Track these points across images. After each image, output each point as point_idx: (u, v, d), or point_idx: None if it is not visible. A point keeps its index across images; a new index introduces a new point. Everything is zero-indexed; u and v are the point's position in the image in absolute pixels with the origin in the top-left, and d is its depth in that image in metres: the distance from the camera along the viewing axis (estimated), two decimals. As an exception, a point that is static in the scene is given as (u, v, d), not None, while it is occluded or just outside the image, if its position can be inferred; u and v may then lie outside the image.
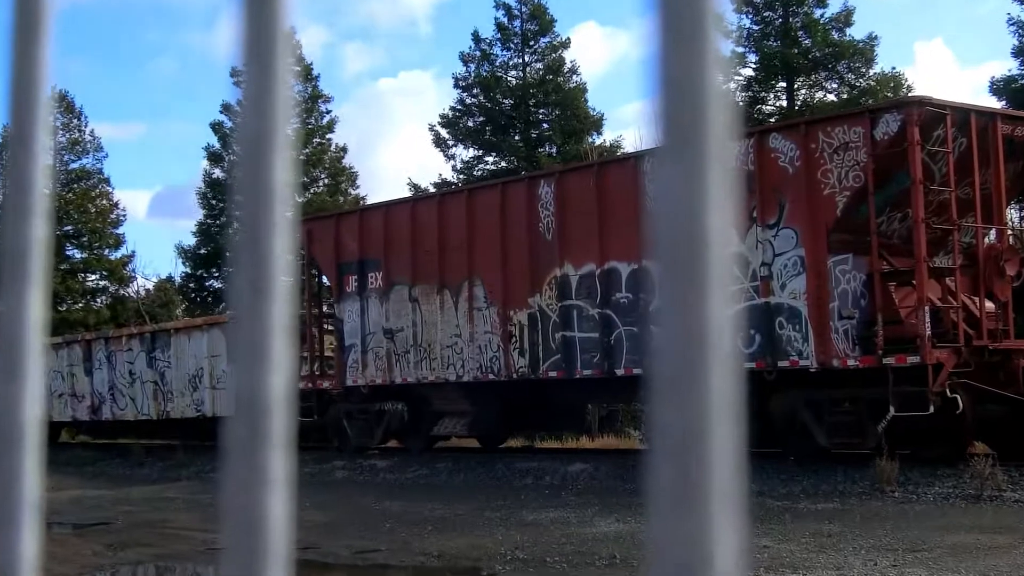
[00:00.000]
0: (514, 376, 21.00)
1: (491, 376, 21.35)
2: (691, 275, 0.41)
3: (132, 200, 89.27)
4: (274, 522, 0.53)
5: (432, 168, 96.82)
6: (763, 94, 38.75)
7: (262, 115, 0.52)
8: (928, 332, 15.84)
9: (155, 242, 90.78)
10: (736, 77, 38.90)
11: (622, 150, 39.18)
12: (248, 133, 0.52)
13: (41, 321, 0.67)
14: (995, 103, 28.50)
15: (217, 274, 47.05)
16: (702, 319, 0.41)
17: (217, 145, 46.68)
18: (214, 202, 46.67)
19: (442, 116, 43.20)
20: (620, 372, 19.32)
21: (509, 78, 42.69)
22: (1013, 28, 31.83)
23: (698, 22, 0.43)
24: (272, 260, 0.52)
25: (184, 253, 46.95)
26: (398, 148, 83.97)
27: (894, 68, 38.26)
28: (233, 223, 0.54)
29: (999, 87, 31.32)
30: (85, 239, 49.31)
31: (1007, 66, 37.17)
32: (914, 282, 16.32)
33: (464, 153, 43.61)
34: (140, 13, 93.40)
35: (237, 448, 0.52)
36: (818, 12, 36.74)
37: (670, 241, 0.41)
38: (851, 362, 16.58)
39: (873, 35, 36.66)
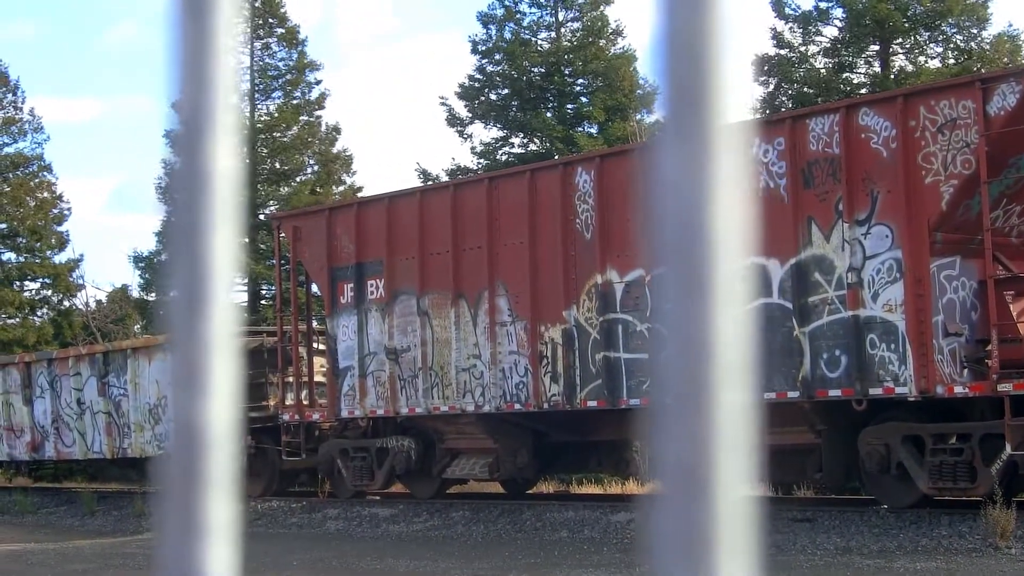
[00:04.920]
0: (545, 406, 20.98)
1: (517, 406, 21.33)
2: (694, 279, 0.42)
3: (84, 193, 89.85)
4: (215, 580, 0.54)
5: (446, 151, 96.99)
6: (851, 60, 38.63)
7: (198, 84, 0.54)
8: (1054, 352, 15.77)
9: (111, 243, 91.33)
10: (817, 39, 38.82)
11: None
12: (184, 108, 0.53)
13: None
14: None
15: (184, 283, 47.05)
16: (707, 332, 0.42)
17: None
18: (175, 195, 46.73)
19: (460, 86, 43.16)
20: (675, 401, 19.28)
21: (539, 41, 42.71)
22: None
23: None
24: (211, 265, 0.54)
25: (140, 262, 46.98)
26: (405, 127, 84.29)
27: (1011, 27, 37.98)
28: (168, 223, 0.56)
29: None
30: (22, 239, 49.50)
31: None
32: (1037, 291, 16.25)
33: (485, 133, 43.69)
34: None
35: (170, 489, 0.54)
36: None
37: (671, 238, 0.42)
38: (959, 389, 16.49)
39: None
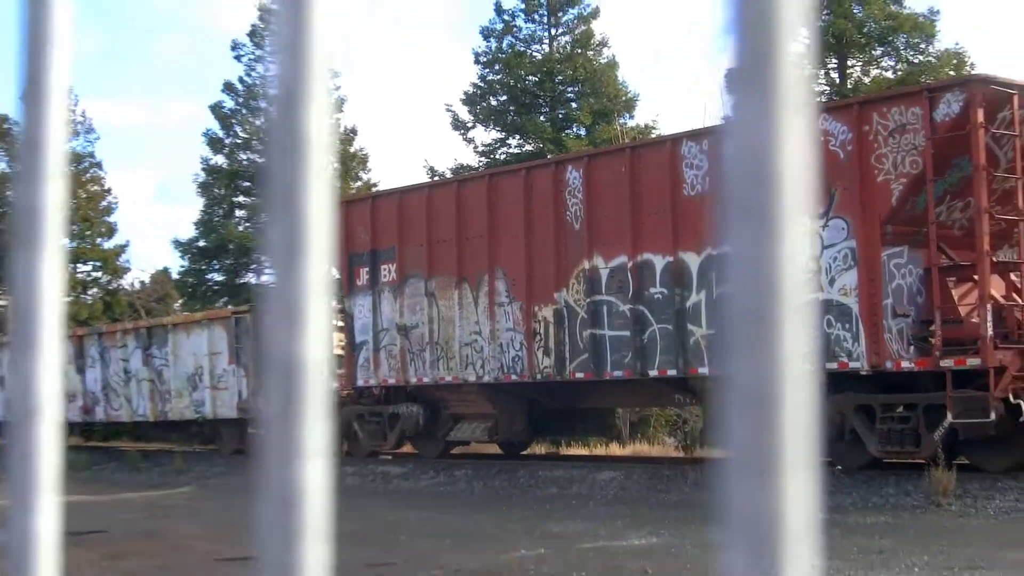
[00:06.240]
0: (538, 377, 21.01)
1: (513, 377, 21.35)
2: (764, 216, 0.42)
3: (133, 185, 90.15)
4: (313, 497, 0.54)
5: (450, 151, 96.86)
6: (813, 71, 38.46)
7: (297, 57, 0.53)
8: (990, 332, 15.77)
9: (155, 231, 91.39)
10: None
11: (657, 132, 39.08)
12: (281, 76, 0.53)
13: (58, 291, 0.68)
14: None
15: (218, 267, 47.03)
16: (775, 263, 0.42)
17: (217, 130, 46.62)
18: (213, 191, 46.63)
19: (464, 94, 43.12)
20: (653, 374, 19.30)
21: (533, 52, 42.62)
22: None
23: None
24: (308, 217, 0.54)
25: (182, 247, 46.97)
26: (415, 130, 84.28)
27: (957, 45, 37.86)
28: (266, 179, 0.55)
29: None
30: (75, 227, 49.53)
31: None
32: (975, 277, 16.25)
33: (485, 135, 43.58)
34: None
35: (273, 418, 0.54)
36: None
37: (741, 180, 0.42)
38: (905, 364, 16.52)
39: (935, 9, 36.45)
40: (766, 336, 0.42)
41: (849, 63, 37.44)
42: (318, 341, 0.54)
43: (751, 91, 0.42)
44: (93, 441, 35.35)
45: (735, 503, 0.43)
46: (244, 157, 46.31)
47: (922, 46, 36.63)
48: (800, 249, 0.42)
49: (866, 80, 36.94)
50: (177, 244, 47.11)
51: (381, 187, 43.11)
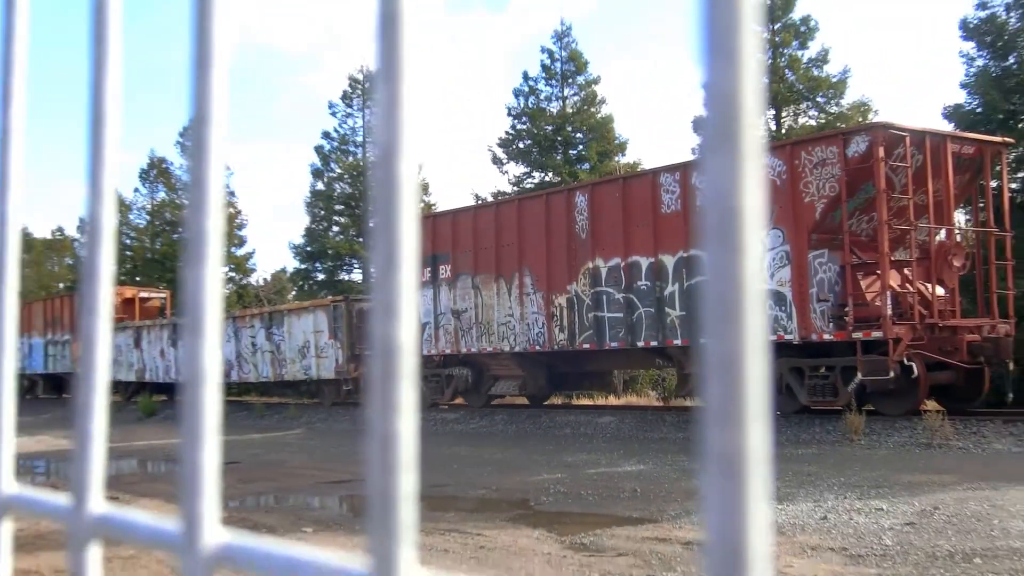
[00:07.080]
0: (555, 347, 21.02)
1: (537, 347, 21.37)
2: (731, 240, 0.43)
3: (259, 204, 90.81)
4: (404, 440, 0.55)
5: (490, 180, 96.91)
6: (762, 122, 38.24)
7: (392, 124, 0.55)
8: (889, 312, 15.70)
9: (276, 239, 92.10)
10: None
11: (642, 167, 38.96)
12: (379, 129, 0.54)
13: (218, 290, 0.69)
14: (947, 126, 27.98)
15: (320, 267, 47.27)
16: (739, 273, 0.43)
17: (319, 164, 46.97)
18: (316, 210, 46.91)
19: (499, 139, 43.24)
20: (640, 344, 19.27)
21: (551, 108, 42.60)
22: (963, 60, 31.17)
23: (739, 47, 0.45)
24: (402, 241, 0.55)
25: (296, 249, 47.34)
26: (464, 165, 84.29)
27: (863, 96, 37.61)
28: (371, 213, 0.57)
29: (950, 113, 30.74)
30: (216, 239, 49.92)
31: (959, 96, 36.34)
32: (878, 272, 16.18)
33: (516, 169, 43.61)
34: (266, 58, 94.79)
35: (375, 384, 0.55)
36: (800, 52, 36.26)
37: (715, 214, 0.43)
38: (827, 336, 16.45)
39: (847, 69, 36.20)
40: (734, 318, 0.43)
41: (783, 114, 37.25)
42: (408, 327, 0.56)
43: (721, 141, 0.43)
44: (229, 396, 35.61)
45: (711, 443, 0.44)
46: (338, 187, 46.52)
47: (838, 100, 36.46)
48: (757, 256, 0.43)
49: (796, 127, 36.75)
50: (292, 246, 47.57)
51: (438, 208, 43.24)
